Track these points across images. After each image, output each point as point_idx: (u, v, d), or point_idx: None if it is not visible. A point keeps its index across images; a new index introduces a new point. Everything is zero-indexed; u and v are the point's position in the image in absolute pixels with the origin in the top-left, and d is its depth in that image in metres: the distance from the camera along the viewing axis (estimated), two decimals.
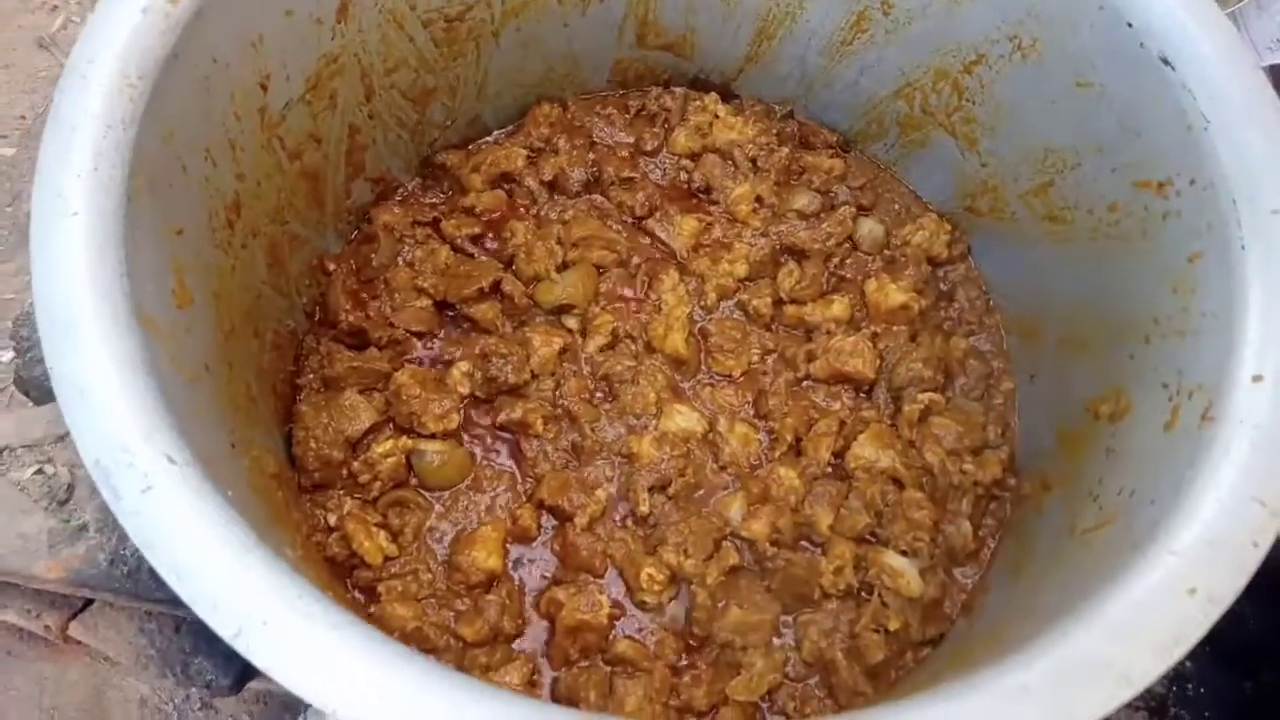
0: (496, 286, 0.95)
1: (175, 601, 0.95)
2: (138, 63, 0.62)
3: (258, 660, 0.48)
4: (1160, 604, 0.52)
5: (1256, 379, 0.58)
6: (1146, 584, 0.53)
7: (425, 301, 0.95)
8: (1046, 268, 0.89)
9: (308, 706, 1.14)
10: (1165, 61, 0.69)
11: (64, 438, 1.00)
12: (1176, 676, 0.96)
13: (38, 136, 1.75)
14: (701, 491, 0.89)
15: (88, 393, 0.52)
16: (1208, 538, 0.54)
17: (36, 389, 1.11)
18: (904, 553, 0.85)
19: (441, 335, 0.96)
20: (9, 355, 1.68)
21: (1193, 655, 0.97)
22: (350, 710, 0.47)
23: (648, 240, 1.01)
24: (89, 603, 1.00)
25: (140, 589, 0.93)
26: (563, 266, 0.97)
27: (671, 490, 0.87)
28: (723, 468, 0.90)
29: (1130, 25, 0.71)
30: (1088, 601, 0.53)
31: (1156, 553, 0.54)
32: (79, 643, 1.02)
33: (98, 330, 0.54)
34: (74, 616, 1.00)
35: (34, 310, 1.15)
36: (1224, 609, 0.52)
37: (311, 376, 0.91)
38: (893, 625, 0.82)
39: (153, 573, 0.91)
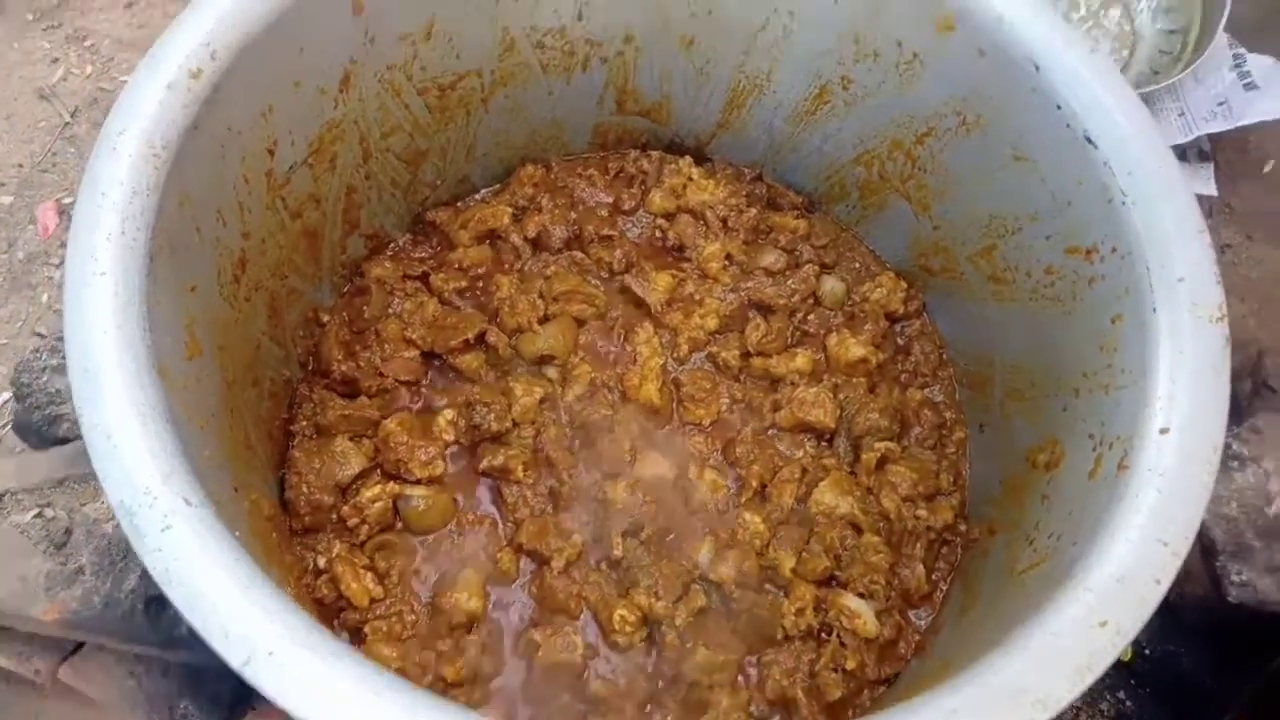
0: (481, 338, 1.00)
1: (165, 644, 1.00)
2: (162, 134, 0.68)
3: (264, 687, 0.53)
4: (1075, 636, 0.58)
5: (1163, 431, 0.65)
6: (1064, 618, 0.58)
7: (413, 352, 1.00)
8: (993, 324, 0.96)
9: None
10: (1089, 140, 0.76)
11: (63, 482, 1.04)
12: (1118, 716, 1.01)
13: (35, 185, 1.80)
14: (672, 536, 0.94)
15: (114, 438, 0.57)
16: (1118, 575, 0.60)
17: (35, 434, 1.15)
18: (862, 595, 0.90)
19: (428, 384, 1.01)
20: (1, 398, 1.71)
21: (1133, 696, 1.03)
22: None
23: (624, 295, 1.06)
24: (79, 647, 1.03)
25: (133, 632, 0.97)
26: (544, 319, 1.02)
27: (644, 535, 0.92)
28: (693, 513, 0.95)
29: (1059, 107, 0.79)
30: (1012, 634, 0.59)
31: (1074, 589, 0.60)
32: (67, 687, 1.04)
33: (122, 381, 0.59)
34: (64, 660, 1.03)
35: (33, 359, 1.20)
36: (1129, 639, 0.57)
37: (305, 423, 0.96)
38: (850, 665, 0.87)
39: (146, 615, 0.95)
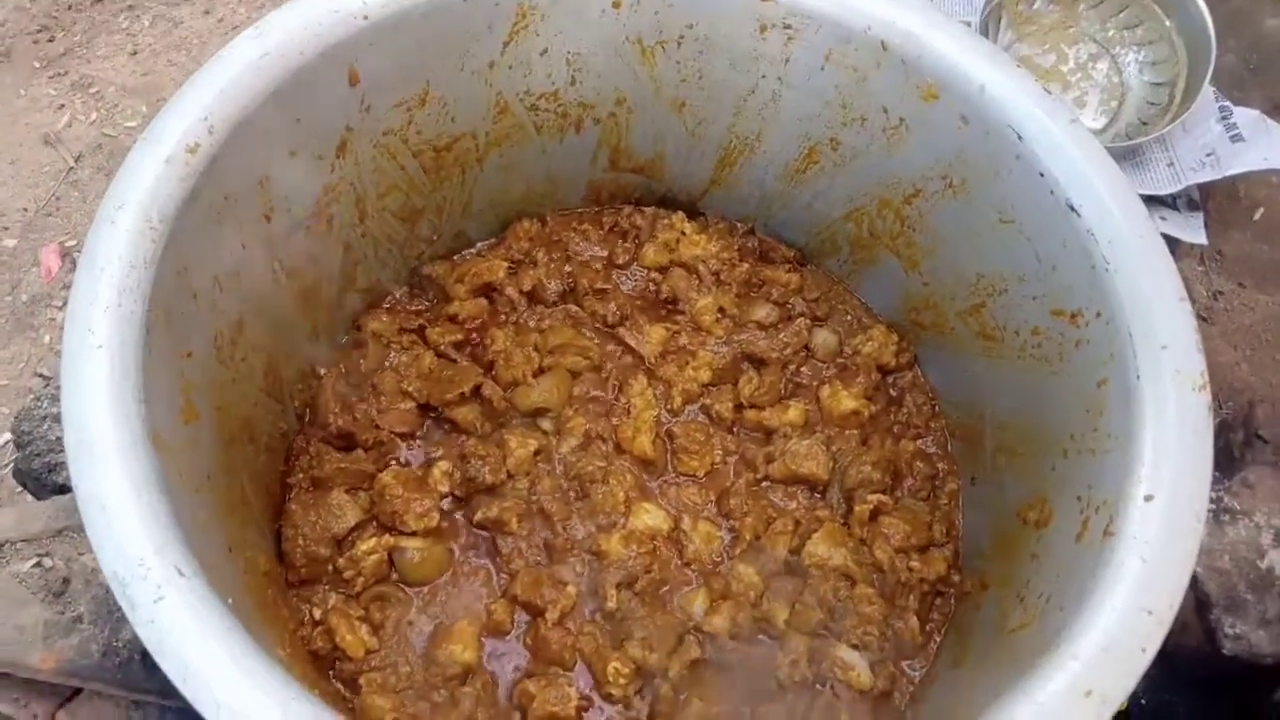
0: (477, 390, 1.02)
1: (162, 692, 1.00)
2: (159, 208, 0.69)
3: None
4: (1061, 706, 0.58)
5: (1148, 499, 0.65)
6: (1050, 688, 0.59)
7: (409, 404, 1.02)
8: (982, 380, 0.97)
9: None
10: (1072, 208, 0.78)
11: (61, 532, 1.04)
12: None
13: (39, 229, 1.83)
14: (666, 587, 0.94)
15: (108, 510, 0.58)
16: (1103, 644, 0.60)
17: (34, 482, 1.16)
18: (855, 646, 0.90)
19: (424, 436, 1.02)
20: (1, 440, 1.72)
21: None
22: None
23: (619, 348, 1.08)
24: (77, 691, 1.04)
25: (130, 679, 0.97)
26: (539, 372, 1.03)
27: (638, 586, 0.93)
28: (687, 564, 0.96)
29: (1042, 175, 0.80)
30: (999, 702, 0.59)
31: (1060, 657, 0.60)
32: None
33: (117, 453, 0.60)
34: (62, 705, 1.04)
35: (34, 406, 1.21)
36: (1116, 708, 0.58)
37: (301, 476, 0.96)
38: (843, 718, 0.87)
39: (143, 664, 0.96)
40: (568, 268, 1.11)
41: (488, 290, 1.09)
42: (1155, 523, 0.65)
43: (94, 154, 1.96)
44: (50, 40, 2.08)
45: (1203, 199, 1.42)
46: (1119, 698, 0.58)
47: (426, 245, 1.09)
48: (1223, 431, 1.12)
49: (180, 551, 0.59)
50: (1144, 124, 1.37)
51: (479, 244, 1.14)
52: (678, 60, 0.96)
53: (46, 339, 1.81)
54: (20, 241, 1.89)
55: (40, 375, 1.80)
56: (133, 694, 1.00)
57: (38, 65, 2.05)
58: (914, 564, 0.95)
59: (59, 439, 1.12)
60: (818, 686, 0.90)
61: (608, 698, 0.89)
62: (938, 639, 0.95)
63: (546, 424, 1.02)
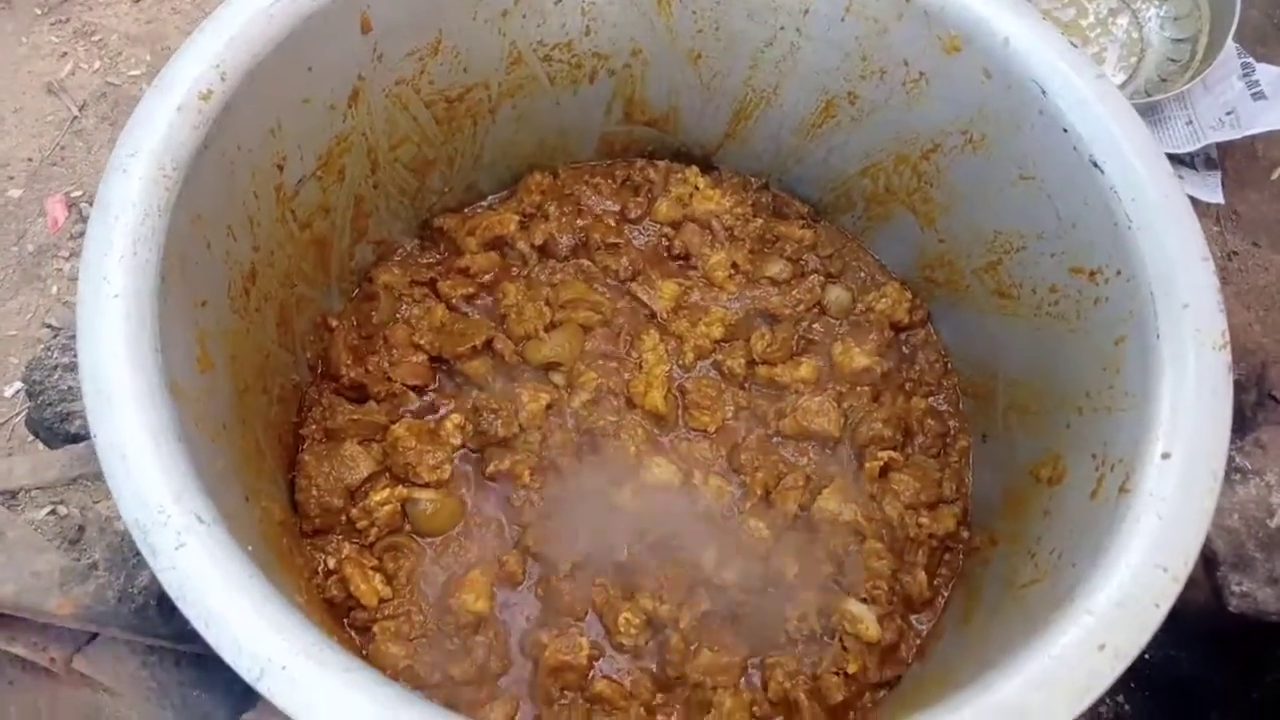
0: (489, 344, 1.01)
1: (178, 638, 1.01)
2: (173, 155, 0.69)
3: (277, 701, 0.54)
4: (1074, 658, 0.59)
5: (1165, 456, 0.65)
6: (1064, 641, 0.59)
7: (421, 357, 1.01)
8: (997, 337, 0.97)
9: None
10: (1095, 165, 0.77)
11: (76, 480, 1.05)
12: (1117, 718, 1.02)
13: (44, 179, 1.82)
14: (677, 540, 0.95)
15: (127, 458, 0.58)
16: (1118, 599, 0.61)
17: (46, 431, 1.17)
18: (864, 600, 0.91)
19: (436, 389, 1.02)
20: (9, 390, 1.72)
21: (1132, 699, 1.04)
22: None
23: (630, 303, 1.07)
24: (94, 636, 1.05)
25: (146, 625, 0.98)
26: (551, 326, 1.03)
27: (649, 539, 0.93)
28: (697, 518, 0.96)
29: (1065, 130, 0.79)
30: (1013, 655, 0.60)
31: (1074, 612, 0.61)
32: (81, 674, 1.07)
33: (134, 401, 0.60)
34: (79, 650, 1.05)
35: (45, 356, 1.21)
36: (1129, 663, 0.58)
37: (314, 428, 0.97)
38: (852, 668, 0.88)
39: (159, 610, 0.97)
40: (580, 222, 1.10)
41: (499, 244, 1.09)
42: (1172, 480, 0.65)
43: (98, 103, 1.94)
44: None
45: (1220, 158, 1.40)
46: (1132, 653, 0.59)
47: (438, 198, 1.08)
48: (1235, 392, 1.12)
49: (200, 499, 0.60)
50: (1163, 81, 1.35)
51: (490, 197, 1.14)
52: (694, 10, 0.94)
53: (54, 289, 1.81)
54: (25, 191, 1.88)
55: (48, 326, 1.80)
56: (148, 639, 1.01)
57: (39, 12, 2.02)
58: (923, 520, 0.96)
59: (70, 388, 1.13)
60: (825, 639, 0.91)
61: (618, 647, 0.90)
62: (945, 594, 0.96)
63: (558, 378, 1.02)
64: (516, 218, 1.08)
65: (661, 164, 1.14)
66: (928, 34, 0.85)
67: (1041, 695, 0.58)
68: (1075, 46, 0.80)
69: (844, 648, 0.90)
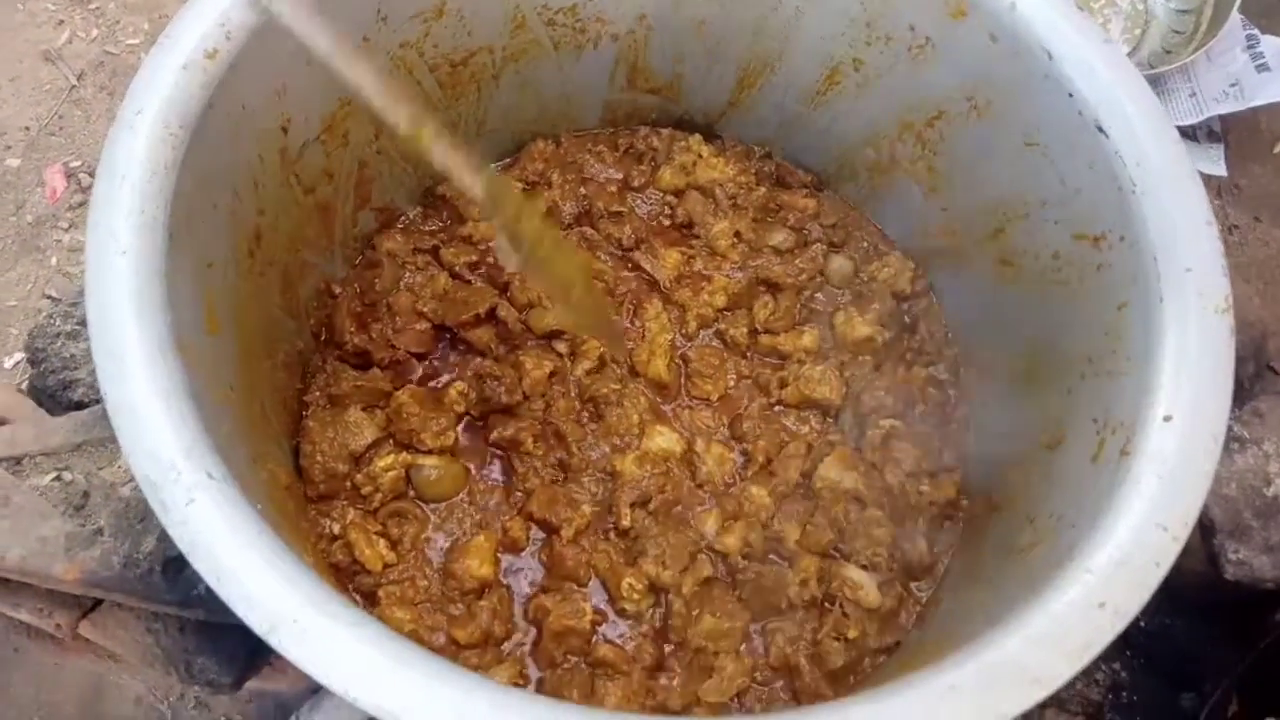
0: (492, 312, 1.02)
1: (182, 603, 1.02)
2: (179, 114, 0.68)
3: (289, 654, 0.55)
4: (1074, 616, 0.60)
5: (1167, 419, 0.66)
6: (1064, 599, 0.60)
7: (425, 325, 1.02)
8: (999, 305, 0.97)
9: (301, 706, 1.20)
10: (1100, 130, 0.77)
11: (80, 446, 1.05)
12: (1113, 685, 1.04)
13: (42, 148, 1.81)
14: (679, 507, 0.96)
15: (137, 415, 0.59)
16: (1118, 558, 0.61)
17: (49, 399, 1.17)
18: (864, 567, 0.92)
19: (439, 356, 1.03)
20: (10, 362, 1.72)
21: (1128, 666, 1.05)
22: (369, 697, 0.54)
23: (633, 271, 1.07)
24: (98, 603, 1.06)
25: (151, 591, 0.99)
26: None
27: (651, 506, 0.94)
28: (699, 485, 0.97)
29: (1070, 95, 0.79)
30: (1013, 613, 0.61)
31: (1074, 571, 0.62)
32: (86, 641, 1.08)
33: (144, 359, 0.60)
34: (84, 616, 1.06)
35: (47, 324, 1.21)
36: (1128, 621, 0.59)
37: (318, 394, 0.97)
38: (852, 634, 0.89)
39: (164, 575, 0.98)
40: (583, 190, 1.10)
41: None
42: (1173, 442, 0.65)
43: (96, 72, 1.93)
44: None
45: (1223, 130, 1.40)
46: (1132, 611, 0.59)
47: None
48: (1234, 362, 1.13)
49: (209, 456, 0.60)
50: (1167, 52, 1.35)
51: (493, 165, 1.13)
52: None
53: (54, 260, 1.80)
54: (24, 161, 1.87)
55: (49, 297, 1.79)
56: (152, 605, 1.02)
57: None
58: (924, 488, 0.97)
59: (73, 356, 1.13)
60: (826, 605, 0.92)
61: (621, 613, 0.91)
62: (945, 561, 0.97)
63: (562, 346, 1.02)
64: (519, 185, 1.08)
65: (665, 132, 1.14)
66: None
67: (1042, 651, 0.58)
68: (1082, 11, 0.80)
69: (844, 614, 0.90)
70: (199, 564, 0.56)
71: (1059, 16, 0.79)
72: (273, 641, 0.55)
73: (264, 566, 0.57)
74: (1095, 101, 0.77)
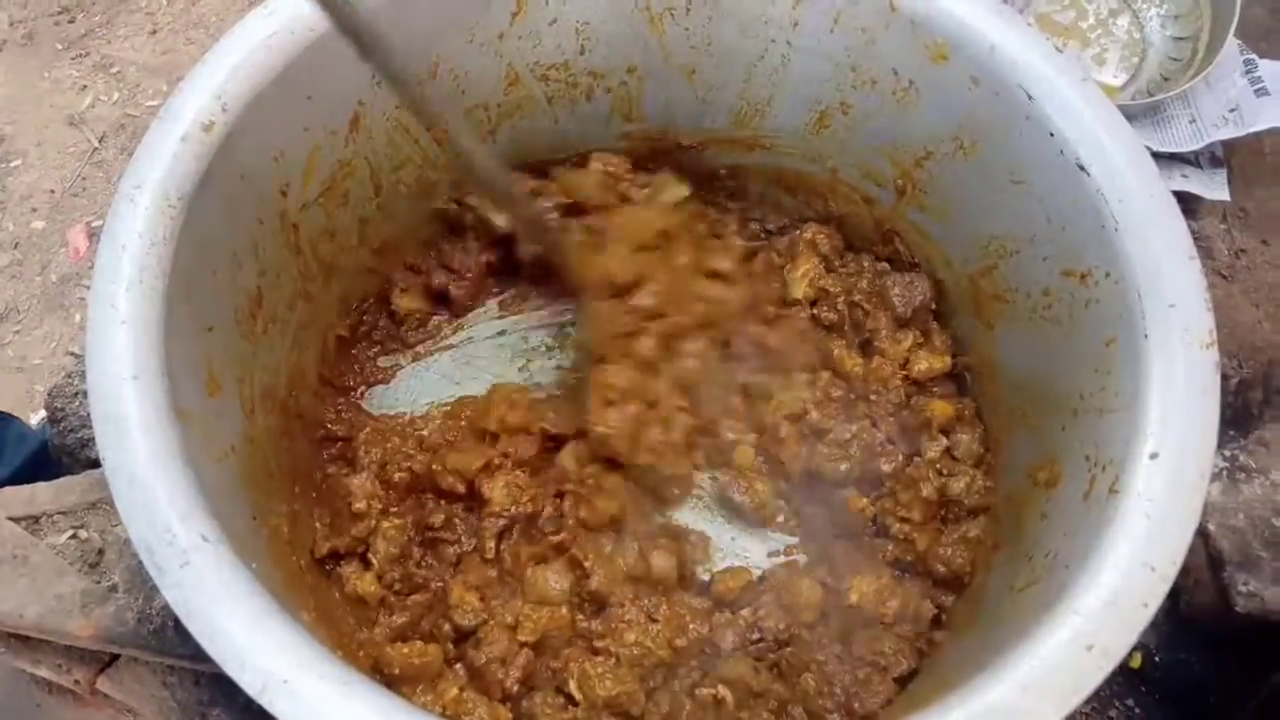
0: None
1: (196, 657, 1.03)
2: (177, 185, 0.71)
3: (279, 714, 0.56)
4: (1063, 659, 0.59)
5: (1153, 456, 0.66)
6: (1052, 641, 0.60)
7: None
8: (994, 342, 0.97)
9: None
10: (1081, 168, 0.78)
11: (95, 505, 1.07)
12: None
13: (66, 210, 1.86)
14: None
15: (134, 481, 0.60)
16: (1106, 599, 0.61)
17: (69, 456, 1.19)
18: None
19: None
20: (36, 419, 1.77)
21: (1142, 703, 1.04)
22: None
23: None
24: (115, 658, 1.07)
25: (165, 645, 1.00)
26: None
27: None
28: None
29: (1052, 135, 0.80)
30: (1002, 657, 0.61)
31: (1064, 612, 0.61)
32: (105, 695, 1.09)
33: (142, 426, 0.62)
34: (101, 671, 1.07)
35: (66, 384, 1.24)
36: (1117, 662, 0.59)
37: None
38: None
39: (176, 630, 0.99)
40: None
41: None
42: (1160, 479, 0.65)
43: (117, 134, 1.99)
44: (71, 21, 2.10)
45: (1226, 155, 1.40)
46: (1120, 652, 0.59)
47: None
48: (1241, 390, 1.11)
49: (204, 519, 0.61)
50: (1166, 80, 1.35)
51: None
52: (687, 27, 0.96)
53: (77, 318, 1.85)
54: (48, 223, 1.93)
55: (72, 354, 1.84)
56: (167, 659, 1.03)
57: (60, 47, 2.08)
58: None
59: (91, 414, 1.16)
60: None
61: None
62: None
63: None
64: None
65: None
66: (915, 42, 0.86)
67: (1030, 697, 0.58)
68: (1060, 51, 0.80)
69: None
70: (192, 625, 0.57)
71: (1038, 58, 0.80)
72: (264, 701, 0.56)
73: (254, 627, 0.58)
74: (1075, 140, 0.78)
